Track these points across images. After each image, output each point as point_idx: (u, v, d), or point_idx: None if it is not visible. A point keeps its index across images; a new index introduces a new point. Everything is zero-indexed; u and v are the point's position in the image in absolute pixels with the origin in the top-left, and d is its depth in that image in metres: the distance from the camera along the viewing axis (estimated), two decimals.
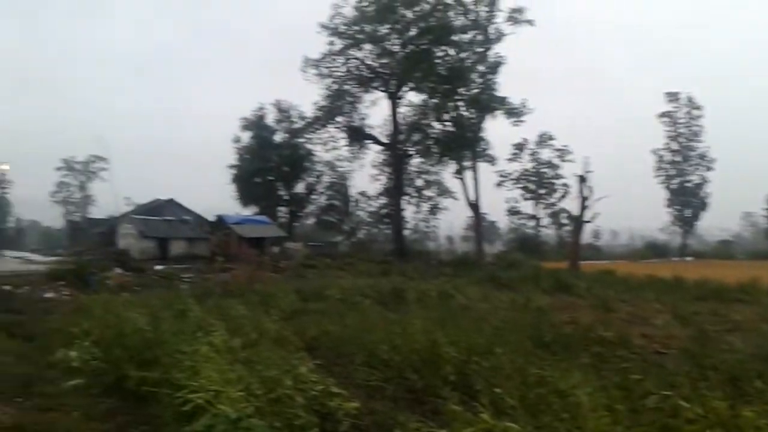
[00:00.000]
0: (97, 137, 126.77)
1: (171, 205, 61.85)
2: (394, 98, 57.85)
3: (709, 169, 76.43)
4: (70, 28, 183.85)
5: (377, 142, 61.35)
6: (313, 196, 69.30)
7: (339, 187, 68.91)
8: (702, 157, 76.53)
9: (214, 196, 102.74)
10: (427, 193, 65.07)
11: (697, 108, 76.76)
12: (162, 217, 57.89)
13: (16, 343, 11.84)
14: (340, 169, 66.39)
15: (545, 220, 75.06)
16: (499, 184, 71.80)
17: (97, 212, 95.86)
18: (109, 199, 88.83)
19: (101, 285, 25.04)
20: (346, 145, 61.94)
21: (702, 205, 77.12)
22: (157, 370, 7.33)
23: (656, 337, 12.41)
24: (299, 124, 64.28)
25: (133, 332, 9.20)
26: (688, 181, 76.88)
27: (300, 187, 68.13)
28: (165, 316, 10.66)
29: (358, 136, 60.94)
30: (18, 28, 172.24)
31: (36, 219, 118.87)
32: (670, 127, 77.80)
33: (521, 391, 5.49)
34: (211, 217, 59.67)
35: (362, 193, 68.06)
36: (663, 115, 78.02)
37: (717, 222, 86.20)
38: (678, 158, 77.37)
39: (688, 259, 62.93)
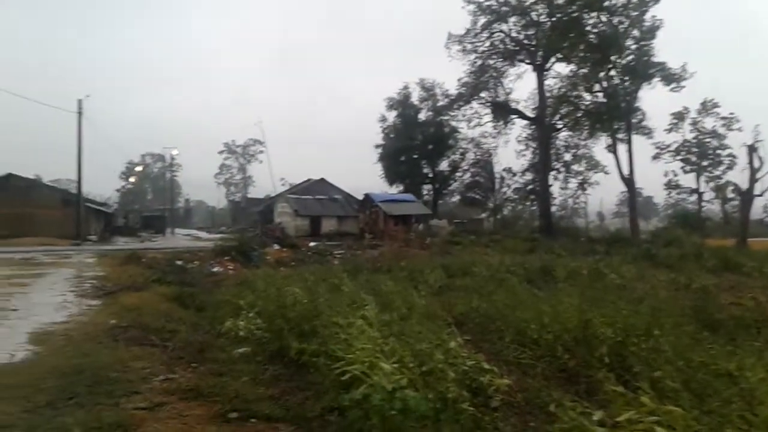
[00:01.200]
0: (255, 122, 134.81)
1: (322, 184, 64.66)
2: (541, 70, 55.93)
3: None
4: (221, 25, 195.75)
5: (523, 116, 59.88)
6: (457, 174, 69.29)
7: (483, 164, 68.26)
8: None
9: (361, 175, 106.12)
10: (576, 167, 62.77)
11: None
12: (314, 196, 60.62)
13: (190, 314, 12.99)
14: (484, 145, 65.74)
15: (708, 195, 69.50)
16: (656, 157, 67.37)
17: (255, 192, 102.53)
18: (266, 180, 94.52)
19: (261, 260, 26.81)
20: (491, 121, 61.09)
21: None
22: (315, 341, 7.76)
23: None
24: (443, 102, 64.27)
25: (292, 305, 9.79)
26: None
27: (444, 165, 68.40)
28: (320, 290, 11.22)
29: (502, 111, 59.78)
30: (183, 27, 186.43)
31: (202, 199, 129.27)
32: None
33: (685, 374, 5.20)
34: (359, 196, 61.63)
35: (507, 170, 67.03)
36: None
37: None
38: None
39: None
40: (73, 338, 10.04)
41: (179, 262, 24.78)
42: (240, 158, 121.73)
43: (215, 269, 23.67)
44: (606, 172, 59.68)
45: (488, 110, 60.49)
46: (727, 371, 4.98)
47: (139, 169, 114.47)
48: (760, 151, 39.18)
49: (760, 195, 41.18)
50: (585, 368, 7.44)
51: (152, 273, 20.28)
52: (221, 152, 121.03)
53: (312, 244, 40.51)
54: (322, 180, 66.01)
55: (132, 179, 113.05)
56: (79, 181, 45.61)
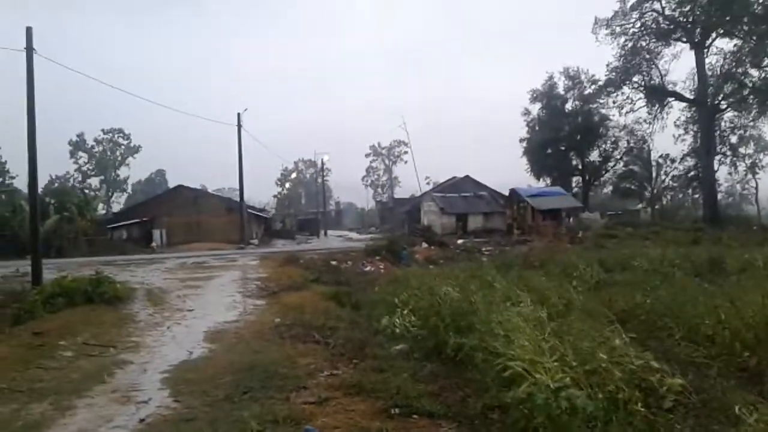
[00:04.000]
0: (399, 124, 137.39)
1: (467, 181, 64.52)
2: (700, 48, 51.73)
3: None
4: (362, 31, 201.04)
5: (681, 98, 55.75)
6: (609, 164, 66.08)
7: (638, 152, 64.53)
8: None
9: (507, 170, 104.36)
10: (743, 150, 57.52)
11: None
12: (459, 193, 60.63)
13: (347, 311, 13.47)
14: (638, 132, 62.00)
15: None
16: None
17: (401, 192, 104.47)
18: (412, 180, 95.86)
19: (411, 259, 27.23)
20: (645, 106, 57.46)
21: None
22: (472, 337, 7.72)
23: None
24: (591, 90, 61.58)
25: (446, 302, 9.83)
26: None
27: (594, 155, 65.58)
28: (472, 287, 11.16)
29: (658, 94, 56.03)
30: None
31: (351, 201, 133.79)
32: None
33: None
34: (504, 192, 60.70)
35: (665, 156, 62.85)
36: None
37: None
38: None
39: None
40: (244, 336, 10.79)
41: (334, 263, 25.79)
42: (385, 159, 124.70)
43: (367, 268, 24.37)
44: None
45: (641, 95, 57.01)
46: None
47: (293, 175, 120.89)
48: None
49: None
50: None
51: (310, 273, 21.30)
52: (368, 155, 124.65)
53: (459, 241, 40.51)
54: (467, 177, 65.80)
55: (287, 185, 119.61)
56: (241, 189, 48.95)
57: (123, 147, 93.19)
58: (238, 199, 50.57)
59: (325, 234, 71.40)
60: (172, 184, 53.12)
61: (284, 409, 6.19)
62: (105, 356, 9.47)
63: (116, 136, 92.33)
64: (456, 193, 60.55)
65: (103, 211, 69.85)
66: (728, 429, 4.84)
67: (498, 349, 6.60)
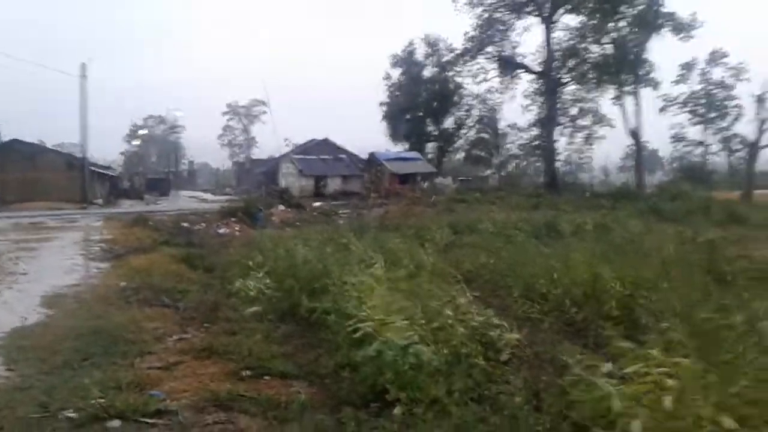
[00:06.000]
0: (259, 83, 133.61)
1: (326, 144, 64.31)
2: (549, 22, 54.78)
3: None
4: None
5: (529, 70, 58.94)
6: (462, 131, 68.80)
7: (488, 120, 67.68)
8: None
9: (366, 134, 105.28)
10: (582, 122, 62.10)
11: None
12: (319, 156, 60.42)
13: (199, 274, 13.11)
14: (490, 101, 64.93)
15: (714, 147, 69.03)
16: (663, 109, 66.71)
17: (259, 153, 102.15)
18: (270, 141, 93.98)
19: (267, 221, 26.92)
20: (497, 76, 60.17)
21: None
22: (326, 299, 7.84)
23: None
24: (448, 57, 63.39)
25: (302, 264, 9.85)
26: None
27: (449, 122, 67.89)
28: (328, 250, 11.28)
29: (509, 65, 58.81)
30: None
31: (206, 161, 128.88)
32: None
33: (695, 327, 5.25)
34: (364, 155, 61.41)
35: (513, 125, 66.43)
36: None
37: None
38: None
39: None
40: (85, 300, 10.16)
41: (186, 224, 24.90)
42: (243, 119, 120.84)
43: (222, 230, 23.79)
44: (612, 126, 59.06)
45: (494, 65, 59.57)
46: (734, 325, 5.00)
47: (143, 132, 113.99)
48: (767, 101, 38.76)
49: (766, 146, 40.94)
50: (593, 322, 7.52)
51: (159, 235, 20.42)
52: (225, 113, 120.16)
53: (317, 204, 40.60)
54: (326, 140, 65.65)
55: (136, 142, 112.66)
56: (83, 145, 45.57)
57: None
58: (80, 156, 47.00)
59: (177, 194, 68.56)
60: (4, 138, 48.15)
61: (128, 375, 5.94)
62: None
63: None
64: (315, 156, 60.37)
65: None
66: (554, 379, 5.28)
67: (350, 309, 6.77)
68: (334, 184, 56.36)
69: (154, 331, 7.87)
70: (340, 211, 34.05)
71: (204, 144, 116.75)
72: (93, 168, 50.19)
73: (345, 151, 63.69)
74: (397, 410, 4.85)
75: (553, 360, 5.92)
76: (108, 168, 64.85)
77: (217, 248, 17.44)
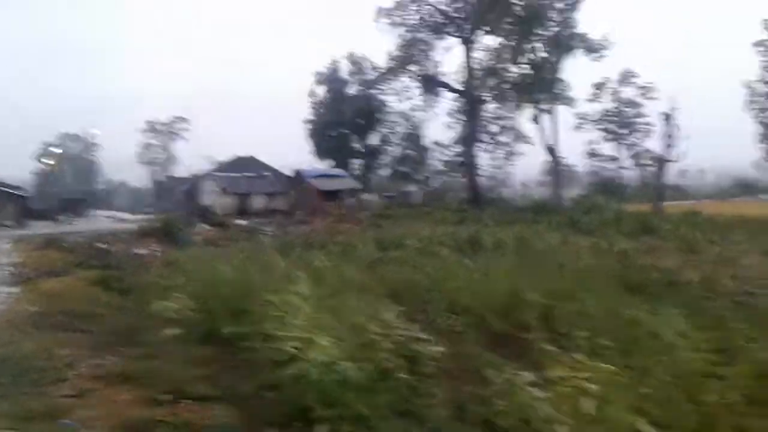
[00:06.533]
0: (181, 101, 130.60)
1: (250, 161, 63.38)
2: (468, 43, 56.26)
3: None
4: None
5: (451, 89, 60.21)
6: (387, 147, 69.38)
7: (413, 137, 68.56)
8: None
9: (293, 152, 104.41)
10: (503, 139, 63.83)
11: None
12: (243, 173, 59.50)
13: (114, 297, 12.60)
14: (414, 118, 65.90)
15: (626, 162, 72.34)
16: (578, 127, 69.43)
17: (180, 171, 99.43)
18: (192, 158, 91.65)
19: (189, 240, 26.21)
20: (420, 94, 61.18)
21: None
22: (248, 320, 7.67)
23: (746, 278, 11.90)
24: (372, 76, 63.97)
25: (223, 284, 9.62)
26: None
27: (374, 139, 68.34)
28: (251, 269, 11.07)
29: (431, 84, 59.89)
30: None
31: (124, 180, 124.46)
32: (766, 57, 72.35)
33: (611, 333, 5.45)
34: (289, 173, 60.87)
35: (437, 142, 67.47)
36: (758, 44, 72.49)
37: None
38: None
39: None
40: None
41: (102, 245, 23.88)
42: (163, 137, 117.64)
43: (140, 251, 22.95)
44: (531, 143, 61.04)
45: (417, 83, 60.57)
46: (648, 330, 5.23)
47: (56, 150, 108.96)
48: (674, 118, 41.02)
49: (675, 161, 43.25)
50: (515, 332, 7.68)
51: (74, 257, 19.53)
52: (144, 131, 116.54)
53: (241, 222, 39.88)
54: (251, 157, 64.69)
55: (49, 161, 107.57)
56: None
57: None
58: None
59: (94, 215, 65.81)
60: None
61: (40, 404, 5.63)
62: None
63: None
64: (239, 173, 59.37)
65: None
66: (477, 390, 5.35)
67: (273, 329, 6.64)
68: (258, 202, 55.53)
69: (66, 358, 7.49)
70: (265, 229, 33.56)
71: (122, 163, 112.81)
72: (1, 187, 47.59)
73: (270, 169, 62.93)
74: (321, 428, 4.78)
75: (477, 371, 6.00)
76: (18, 188, 61.59)
77: (135, 270, 16.80)
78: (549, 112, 52.44)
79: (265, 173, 61.20)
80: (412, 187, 71.44)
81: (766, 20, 70.73)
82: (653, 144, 54.49)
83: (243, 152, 66.52)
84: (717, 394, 3.65)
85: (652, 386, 3.91)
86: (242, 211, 51.65)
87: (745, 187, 68.21)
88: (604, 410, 3.71)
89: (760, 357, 3.83)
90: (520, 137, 62.88)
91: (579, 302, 7.89)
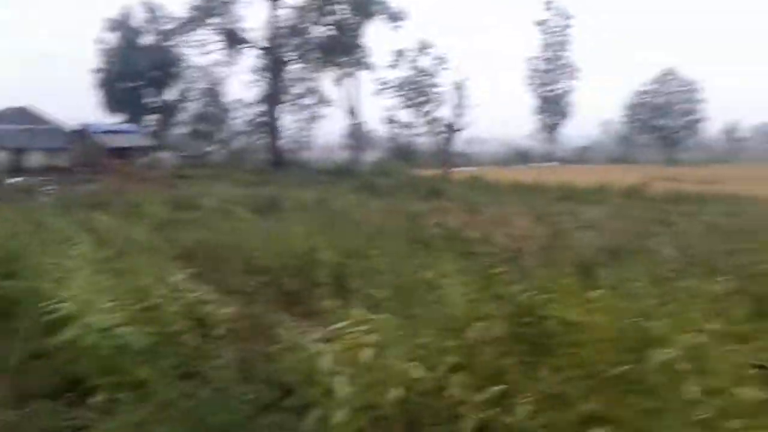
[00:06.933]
0: None
1: (24, 113, 56.76)
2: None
3: (573, 78, 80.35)
4: None
5: (254, 46, 58.60)
6: (185, 104, 65.98)
7: (213, 94, 65.87)
8: (568, 66, 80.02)
9: (78, 103, 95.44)
10: (306, 101, 63.84)
11: (568, 17, 79.32)
12: (15, 126, 53.23)
13: None
14: (215, 74, 63.11)
15: (421, 129, 76.34)
16: (378, 93, 71.63)
17: None
18: None
19: None
20: (222, 50, 58.72)
21: (566, 113, 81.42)
22: (18, 283, 6.97)
23: (518, 236, 13.25)
24: (170, 26, 60.05)
25: None
26: (555, 90, 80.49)
27: (171, 94, 64.58)
28: (26, 230, 10.05)
29: (233, 39, 57.77)
30: None
31: None
32: (544, 36, 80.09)
33: (393, 287, 5.77)
34: (74, 126, 55.56)
35: (238, 101, 65.58)
36: (539, 23, 79.84)
37: (578, 129, 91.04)
38: (549, 67, 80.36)
39: (552, 164, 66.92)
40: None
41: None
42: None
43: None
44: (334, 106, 61.80)
45: (219, 38, 57.99)
46: (426, 282, 5.62)
47: None
48: (464, 89, 44.02)
49: (462, 129, 46.61)
50: (308, 291, 7.83)
51: None
52: None
53: (15, 180, 35.88)
54: (24, 109, 57.92)
55: None
56: None
57: None
58: None
59: None
60: None
61: None
62: None
63: None
64: (11, 126, 52.98)
65: None
66: (265, 348, 5.39)
67: (48, 292, 6.10)
68: (36, 159, 50.20)
69: None
70: (45, 188, 30.49)
71: None
72: None
73: (49, 122, 56.92)
74: (96, 398, 4.51)
75: (267, 330, 6.04)
76: None
77: None
78: (351, 75, 53.47)
79: (44, 127, 55.33)
80: (211, 147, 69.07)
81: (546, 1, 78.12)
82: (445, 112, 58.14)
83: (15, 103, 59.35)
84: (481, 332, 4.04)
85: (427, 333, 4.21)
86: (16, 169, 46.43)
87: (523, 156, 75.59)
88: (380, 359, 3.93)
89: (520, 300, 4.29)
90: (324, 100, 63.34)
91: (370, 259, 8.24)
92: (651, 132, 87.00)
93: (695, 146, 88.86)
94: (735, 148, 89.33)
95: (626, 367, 3.58)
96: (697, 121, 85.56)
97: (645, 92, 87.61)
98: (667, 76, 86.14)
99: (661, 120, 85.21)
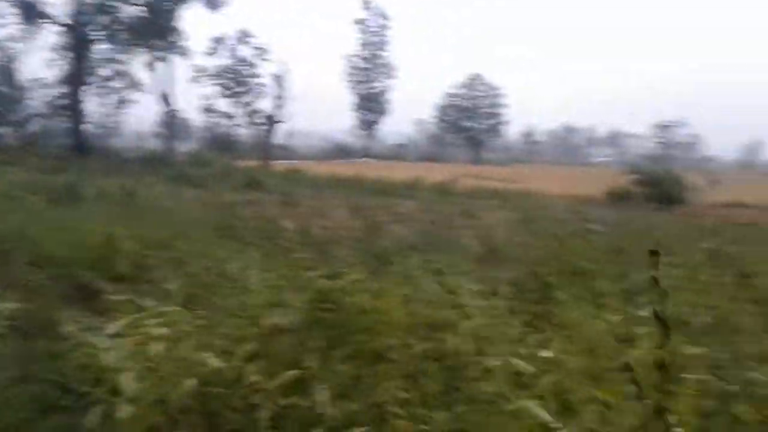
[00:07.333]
0: None
1: None
2: None
3: (391, 77, 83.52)
4: None
5: (56, 22, 53.19)
6: None
7: (7, 72, 59.03)
8: (386, 65, 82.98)
9: None
10: (114, 84, 59.54)
11: (386, 18, 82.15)
12: None
13: None
14: (9, 50, 56.41)
15: (240, 119, 74.77)
16: (195, 80, 69.00)
17: None
18: None
19: None
20: (18, 23, 52.52)
21: (383, 111, 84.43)
22: None
23: (333, 228, 13.48)
24: None
25: None
26: (373, 88, 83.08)
27: None
28: None
29: (31, 12, 51.94)
30: None
31: None
32: (363, 35, 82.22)
33: (197, 277, 5.58)
34: None
35: (36, 80, 59.40)
36: (357, 22, 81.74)
37: (395, 127, 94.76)
38: (368, 65, 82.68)
39: (369, 160, 69.03)
40: None
41: None
42: None
43: None
44: (145, 92, 58.27)
45: (15, 9, 51.83)
46: (230, 273, 5.51)
47: None
48: (284, 81, 43.84)
49: (282, 121, 46.43)
50: (105, 284, 7.32)
51: None
52: None
53: None
54: None
55: None
56: None
57: None
58: None
59: None
60: None
61: None
62: None
63: None
64: None
65: None
66: (49, 346, 4.97)
67: None
68: None
69: None
70: None
71: None
72: None
73: None
74: None
75: (53, 327, 5.54)
76: None
77: None
78: (165, 60, 50.75)
79: None
80: (3, 129, 62.18)
81: (364, 1, 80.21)
82: (265, 104, 57.48)
83: None
84: (278, 318, 4.05)
85: (224, 322, 4.14)
86: None
87: (342, 151, 77.19)
88: (173, 351, 3.78)
89: (318, 287, 4.35)
90: (134, 84, 59.48)
91: (174, 250, 7.91)
92: (459, 132, 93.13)
93: (498, 147, 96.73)
94: (532, 150, 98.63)
95: (416, 349, 3.79)
96: (500, 123, 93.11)
97: (454, 95, 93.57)
98: (474, 81, 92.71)
99: (468, 122, 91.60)
